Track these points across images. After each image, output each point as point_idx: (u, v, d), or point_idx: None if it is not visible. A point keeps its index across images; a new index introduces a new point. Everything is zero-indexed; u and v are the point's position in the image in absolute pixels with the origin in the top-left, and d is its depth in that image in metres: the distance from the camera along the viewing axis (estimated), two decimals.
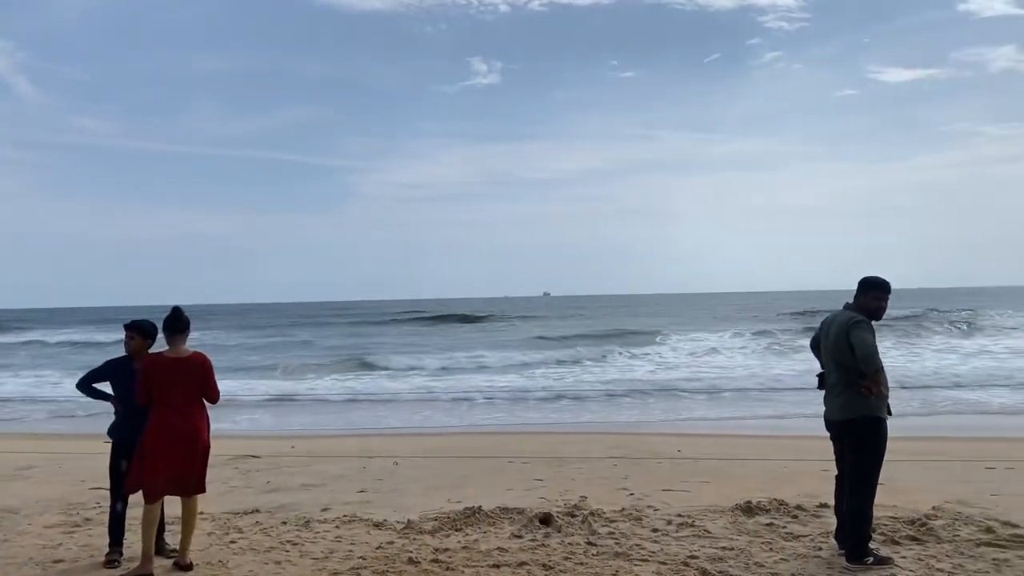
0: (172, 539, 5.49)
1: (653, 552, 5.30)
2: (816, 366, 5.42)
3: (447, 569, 5.04)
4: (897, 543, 5.36)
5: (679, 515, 6.23)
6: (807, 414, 13.64)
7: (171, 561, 5.20)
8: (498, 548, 5.43)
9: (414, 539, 5.71)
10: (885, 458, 5.03)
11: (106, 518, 5.58)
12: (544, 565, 5.06)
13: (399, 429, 12.94)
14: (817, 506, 6.40)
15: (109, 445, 5.44)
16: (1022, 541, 5.33)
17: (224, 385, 5.83)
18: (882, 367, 4.78)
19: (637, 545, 5.46)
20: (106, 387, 5.52)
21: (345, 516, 6.43)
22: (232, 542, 5.71)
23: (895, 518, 5.89)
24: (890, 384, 5.04)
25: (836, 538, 5.26)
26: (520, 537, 5.73)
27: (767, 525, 5.90)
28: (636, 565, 5.06)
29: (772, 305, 63.80)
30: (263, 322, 58.70)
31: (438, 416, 14.46)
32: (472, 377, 19.24)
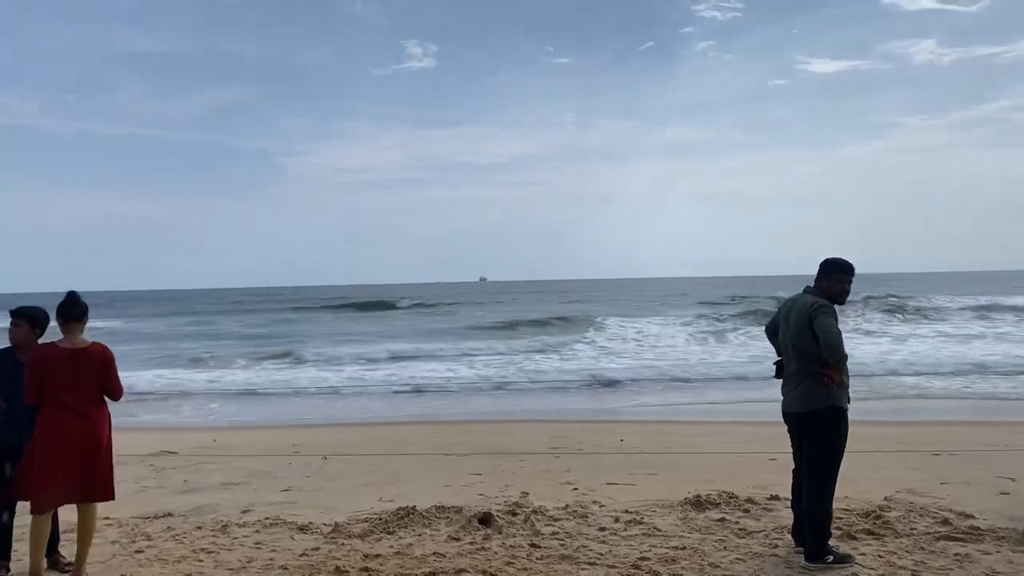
0: (69, 551, 4.91)
1: (601, 554, 4.93)
2: (772, 353, 5.11)
3: None
4: (854, 538, 5.12)
5: (626, 511, 5.89)
6: (750, 400, 13.60)
7: None
8: (434, 553, 4.99)
9: (342, 544, 5.24)
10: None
11: None
12: (484, 572, 4.65)
13: (329, 421, 12.37)
14: (768, 499, 6.15)
15: None
16: (980, 534, 5.14)
17: (142, 376, 5.28)
18: (847, 356, 4.48)
19: (584, 546, 5.09)
20: None
21: (267, 518, 5.91)
22: (138, 552, 5.14)
23: (848, 510, 5.66)
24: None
25: (793, 535, 4.98)
26: (458, 540, 5.31)
27: (719, 521, 5.61)
28: (583, 569, 4.69)
29: (705, 291, 64.47)
30: (187, 309, 56.75)
31: (370, 407, 13.92)
32: (406, 366, 18.68)
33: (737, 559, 4.80)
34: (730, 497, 6.14)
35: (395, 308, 50.96)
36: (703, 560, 4.78)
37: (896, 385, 14.78)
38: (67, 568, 4.74)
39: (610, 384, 15.65)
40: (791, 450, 5.03)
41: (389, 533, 5.48)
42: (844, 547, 4.84)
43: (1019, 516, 5.57)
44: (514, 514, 5.86)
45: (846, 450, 4.72)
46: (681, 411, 12.73)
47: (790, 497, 6.01)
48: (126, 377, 5.02)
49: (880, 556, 4.77)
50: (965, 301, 36.44)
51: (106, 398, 4.72)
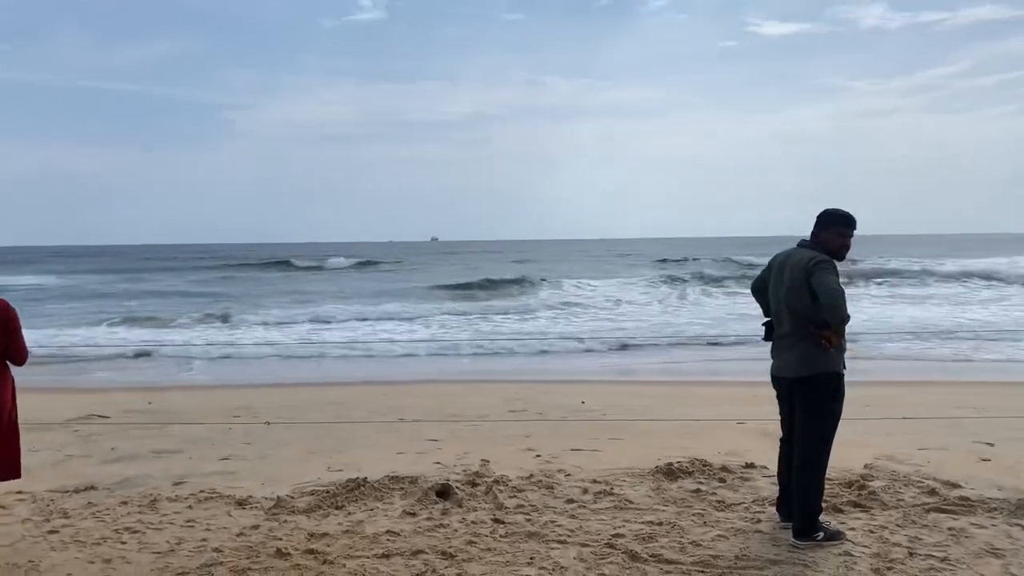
0: None
1: (572, 531, 4.51)
2: (758, 311, 4.69)
3: (324, 563, 4.09)
4: (840, 511, 4.78)
5: (595, 481, 5.48)
6: (712, 360, 13.35)
7: None
8: (388, 532, 4.52)
9: (285, 521, 4.73)
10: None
11: None
12: (444, 552, 4.20)
13: (274, 382, 11.76)
14: (743, 467, 5.79)
15: None
16: (971, 505, 4.84)
17: (73, 334, 4.64)
18: (849, 317, 4.06)
19: (552, 521, 4.67)
20: None
21: (202, 492, 5.37)
22: (52, 532, 4.57)
23: (830, 480, 5.28)
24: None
25: (778, 508, 4.62)
26: (414, 515, 4.83)
27: (694, 492, 5.23)
28: (554, 548, 4.26)
29: (656, 252, 64.60)
30: (127, 265, 54.67)
31: (318, 369, 13.35)
32: (358, 327, 18.07)
33: (719, 536, 4.41)
34: (703, 465, 5.76)
35: (346, 267, 49.93)
36: (682, 537, 4.39)
37: (853, 348, 14.66)
38: None
39: (567, 343, 15.27)
40: (779, 418, 4.64)
41: (337, 508, 4.99)
42: (832, 522, 4.49)
43: (1006, 485, 5.30)
44: (474, 485, 5.41)
45: None
46: (641, 371, 12.41)
47: (773, 465, 5.75)
48: (54, 336, 4.44)
49: (871, 531, 4.43)
50: (912, 263, 36.96)
51: (8, 363, 4.12)
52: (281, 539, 4.41)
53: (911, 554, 4.10)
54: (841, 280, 4.11)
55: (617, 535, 4.42)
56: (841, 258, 4.23)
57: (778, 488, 4.67)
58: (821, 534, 4.23)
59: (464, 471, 5.77)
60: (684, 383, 11.13)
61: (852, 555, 4.10)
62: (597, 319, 19.63)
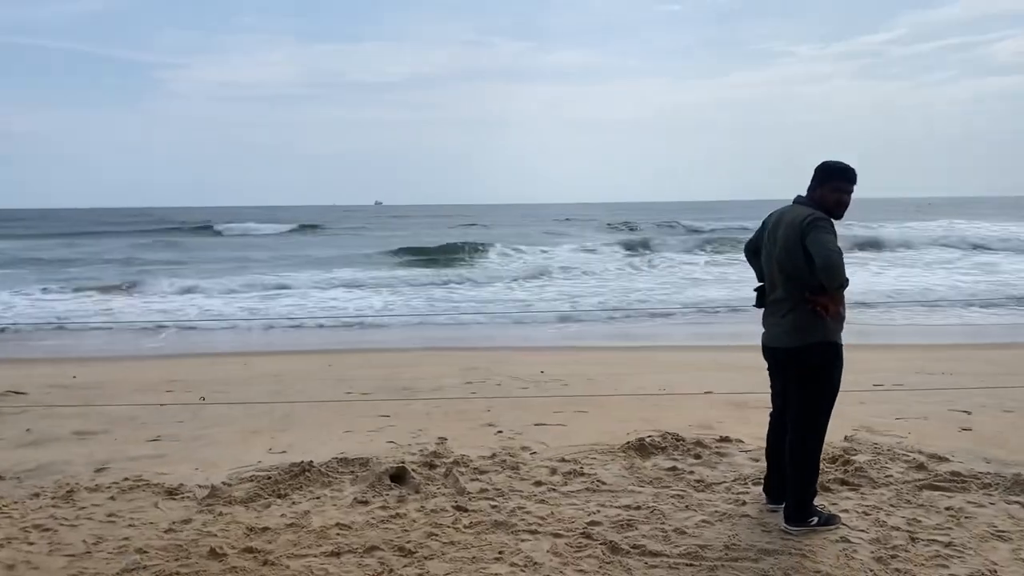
0: None
1: (542, 518, 4.09)
2: (751, 275, 4.28)
3: (265, 563, 3.60)
4: (828, 489, 4.44)
5: (563, 459, 5.07)
6: (671, 324, 13.08)
7: None
8: (337, 524, 4.03)
9: (220, 514, 4.21)
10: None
11: None
12: (401, 548, 3.74)
13: (210, 351, 11.10)
14: (717, 441, 5.45)
15: None
16: (963, 481, 4.55)
17: None
18: (848, 281, 3.67)
19: (520, 508, 4.24)
20: None
21: (127, 480, 4.81)
22: None
23: None
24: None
25: (765, 489, 4.26)
26: (366, 503, 4.36)
27: (669, 470, 4.85)
28: (524, 540, 3.83)
29: (603, 216, 64.55)
30: (53, 229, 51.95)
31: (260, 339, 12.70)
32: (299, 295, 17.35)
33: (703, 521, 4.03)
34: (676, 440, 5.39)
35: (290, 233, 48.59)
36: (664, 524, 4.00)
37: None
38: None
39: (521, 309, 14.85)
40: (766, 391, 4.26)
41: (280, 497, 4.48)
42: (825, 505, 4.15)
43: (993, 457, 5.04)
44: (432, 467, 4.96)
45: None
46: (598, 337, 12.07)
47: (749, 439, 5.45)
48: None
49: (866, 514, 4.10)
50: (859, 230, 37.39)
51: None
52: (216, 535, 3.90)
53: (912, 539, 3.78)
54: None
55: (593, 523, 4.01)
56: (839, 216, 3.82)
57: (765, 467, 4.31)
58: (815, 519, 3.88)
59: (420, 451, 5.30)
60: (641, 349, 10.81)
61: (850, 541, 3.76)
62: (551, 283, 19.21)
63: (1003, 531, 3.86)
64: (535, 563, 3.58)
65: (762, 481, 4.48)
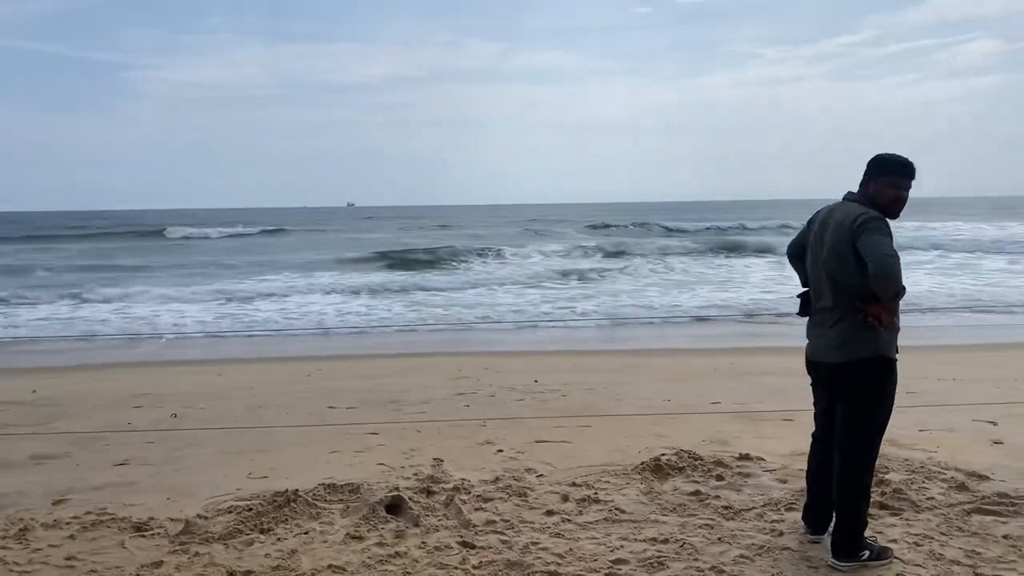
0: None
1: (561, 556, 3.65)
2: (795, 280, 3.87)
3: None
4: (868, 515, 4.04)
5: (574, 484, 4.64)
6: (662, 327, 12.71)
7: None
8: (330, 567, 3.57)
9: (196, 555, 3.72)
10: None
11: None
12: None
13: (181, 360, 10.54)
14: (737, 459, 5.03)
15: None
16: (1012, 504, 4.18)
17: None
18: (905, 290, 3.27)
19: (534, 543, 3.79)
20: None
21: (89, 514, 4.29)
22: None
23: None
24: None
25: (804, 517, 3.85)
26: (360, 539, 3.89)
27: (693, 495, 4.43)
28: None
29: (579, 217, 64.33)
30: (16, 233, 50.41)
31: (235, 348, 12.15)
32: (270, 301, 16.73)
33: (741, 556, 3.62)
34: (694, 459, 4.97)
35: (261, 236, 47.65)
36: (697, 560, 3.58)
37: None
38: None
39: (512, 314, 14.40)
40: (813, 409, 3.85)
41: (263, 532, 4.00)
42: (875, 536, 3.74)
43: None
44: (430, 493, 4.50)
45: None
46: (587, 342, 11.67)
47: (769, 456, 5.06)
48: None
49: (917, 544, 3.71)
50: None
51: None
52: None
53: (976, 575, 3.39)
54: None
55: (619, 561, 3.58)
56: (895, 215, 3.42)
57: (800, 490, 3.91)
58: (866, 552, 3.48)
59: (415, 475, 4.84)
60: (636, 353, 10.41)
61: None
62: (536, 288, 18.75)
63: None
64: None
65: (797, 506, 4.10)
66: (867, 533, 3.67)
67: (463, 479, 4.71)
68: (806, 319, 3.68)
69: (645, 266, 22.91)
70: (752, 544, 3.76)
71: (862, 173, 3.48)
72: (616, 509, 4.23)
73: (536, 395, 7.19)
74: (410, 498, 4.34)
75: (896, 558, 3.55)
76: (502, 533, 3.93)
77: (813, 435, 3.82)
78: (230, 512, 4.25)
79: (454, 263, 24.99)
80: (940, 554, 3.59)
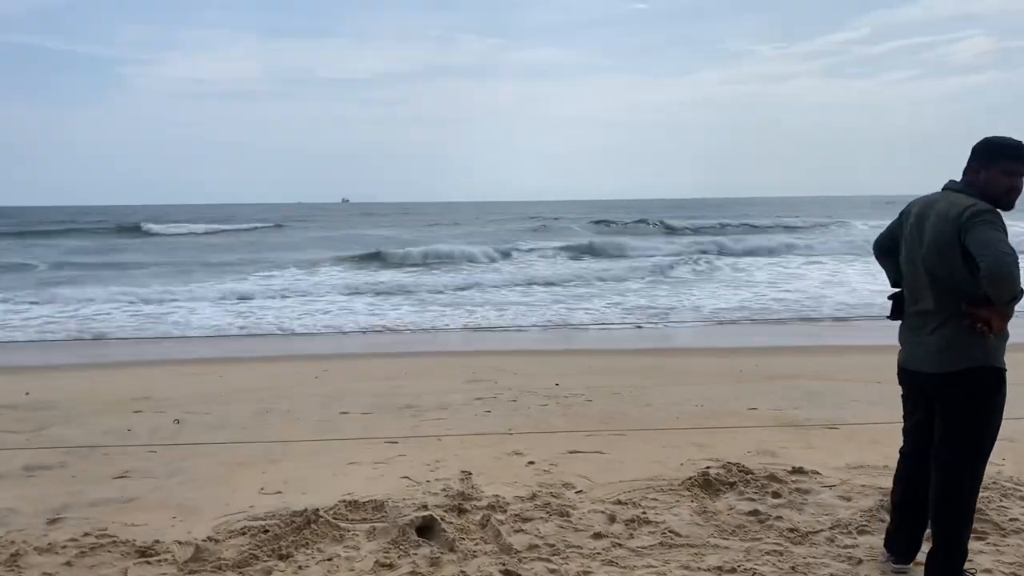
0: None
1: None
2: (884, 280, 3.46)
3: None
4: None
5: (619, 502, 4.24)
6: (671, 325, 12.33)
7: None
8: None
9: None
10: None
11: None
12: None
13: (184, 358, 10.12)
14: (789, 472, 4.65)
15: None
16: None
17: None
18: (1023, 293, 2.87)
19: (586, 572, 3.40)
20: None
21: (88, 535, 3.88)
22: None
23: None
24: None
25: (887, 543, 3.46)
26: (391, 567, 3.49)
27: (751, 515, 4.04)
28: None
29: (582, 213, 63.95)
30: (10, 228, 49.64)
31: (238, 347, 11.74)
32: (273, 299, 16.29)
33: None
34: (743, 473, 4.59)
35: (254, 232, 47.04)
36: None
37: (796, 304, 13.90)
38: None
39: (520, 314, 14.01)
40: (903, 423, 3.44)
41: (282, 558, 3.60)
42: (975, 570, 3.35)
43: None
44: (462, 511, 4.10)
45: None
46: (603, 342, 11.28)
47: (825, 469, 4.68)
48: None
49: (1014, 574, 3.33)
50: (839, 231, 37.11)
51: None
52: None
53: None
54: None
55: None
56: (1009, 206, 3.02)
57: (890, 514, 3.52)
58: None
59: (444, 490, 4.44)
60: (655, 352, 10.03)
61: None
62: (542, 286, 18.34)
63: None
64: None
65: (870, 529, 3.72)
66: (971, 566, 3.28)
67: (497, 495, 4.31)
68: (897, 323, 3.28)
69: (647, 264, 22.51)
70: (830, 574, 3.37)
71: (968, 159, 3.08)
72: (670, 532, 3.84)
73: (559, 400, 6.79)
74: (442, 518, 3.94)
75: None
76: (548, 560, 3.53)
77: (901, 451, 3.43)
78: (243, 534, 3.85)
79: (457, 260, 24.42)
80: None
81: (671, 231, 40.11)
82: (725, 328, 12.69)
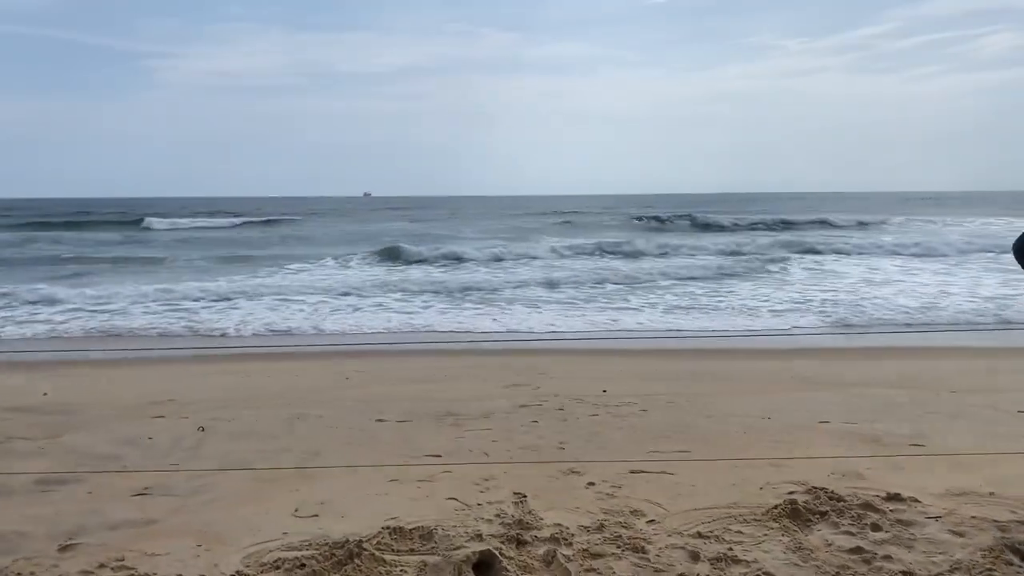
0: None
1: None
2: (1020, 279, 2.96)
3: None
4: None
5: (698, 534, 3.75)
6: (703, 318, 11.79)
7: None
8: None
9: None
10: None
11: None
12: None
13: (203, 354, 9.73)
14: (885, 500, 4.13)
15: None
16: None
17: None
18: None
19: None
20: None
21: (104, 567, 3.45)
22: None
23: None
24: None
25: None
26: None
27: (854, 552, 3.53)
28: None
29: (604, 209, 63.35)
30: (40, 218, 49.87)
31: (255, 341, 11.33)
32: (296, 293, 15.91)
33: None
34: (833, 500, 4.08)
35: (279, 224, 46.89)
36: None
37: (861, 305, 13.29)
38: None
39: (557, 311, 13.51)
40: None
41: None
42: None
43: None
44: (522, 543, 3.63)
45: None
46: (642, 341, 10.76)
47: (924, 496, 4.15)
48: None
49: None
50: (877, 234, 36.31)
51: None
52: None
53: None
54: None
55: None
56: None
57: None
58: None
59: (498, 516, 3.97)
60: (694, 355, 9.50)
61: None
62: (573, 283, 17.82)
63: None
64: None
65: (995, 572, 3.21)
66: None
67: (559, 525, 3.83)
68: None
69: (682, 261, 21.90)
70: None
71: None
72: (764, 573, 3.34)
73: (610, 409, 6.28)
74: (500, 550, 3.47)
75: None
76: None
77: None
78: (278, 568, 3.40)
79: (487, 256, 23.77)
80: None
81: (711, 228, 38.96)
82: (754, 322, 12.13)
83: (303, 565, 3.40)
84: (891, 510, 4.02)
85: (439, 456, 5.05)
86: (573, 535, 3.72)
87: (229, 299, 14.53)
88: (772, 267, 19.91)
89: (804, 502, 4.03)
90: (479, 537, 3.66)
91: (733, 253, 23.55)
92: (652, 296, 14.83)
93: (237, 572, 3.37)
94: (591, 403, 6.47)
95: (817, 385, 7.26)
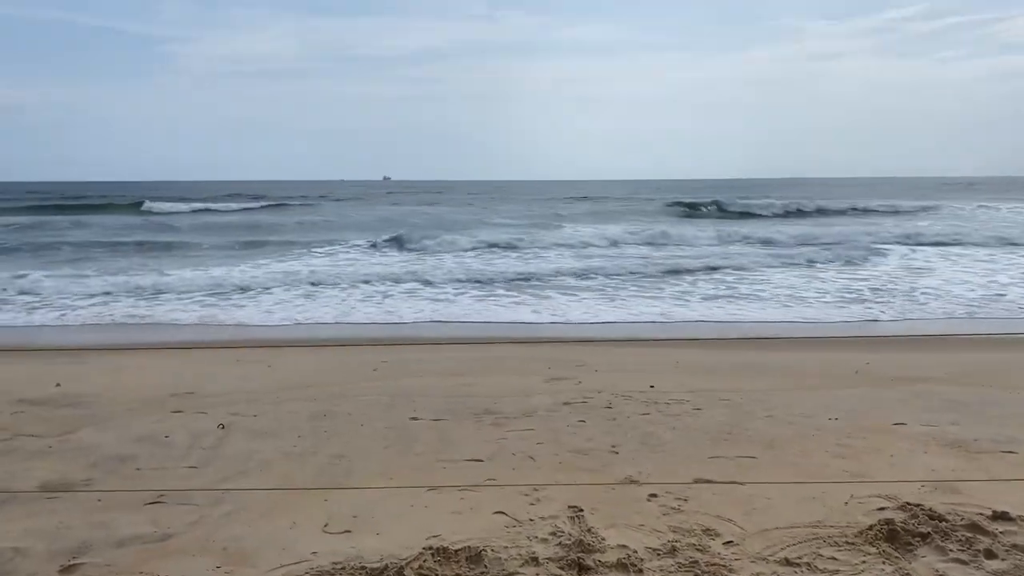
0: None
1: None
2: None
3: None
4: None
5: (786, 561, 3.27)
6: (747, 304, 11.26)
7: None
8: None
9: None
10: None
11: None
12: None
13: (229, 342, 9.34)
14: (991, 519, 3.63)
15: None
16: None
17: None
18: None
19: None
20: None
21: None
22: None
23: None
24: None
25: None
26: None
27: None
28: None
29: (632, 194, 62.56)
30: (48, 202, 49.40)
31: (278, 331, 10.95)
32: (322, 280, 15.52)
33: None
34: (932, 519, 3.59)
35: (293, 209, 46.41)
36: None
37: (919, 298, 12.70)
38: None
39: (595, 300, 13.02)
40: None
41: None
42: None
43: None
44: (584, 568, 3.17)
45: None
46: (679, 329, 10.26)
47: None
48: None
49: None
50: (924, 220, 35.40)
51: None
52: None
53: None
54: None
55: None
56: None
57: None
58: None
59: (554, 535, 3.51)
60: (742, 345, 8.99)
61: None
62: (626, 259, 17.30)
63: None
64: None
65: None
66: None
67: (624, 546, 3.37)
68: None
69: (718, 249, 21.28)
70: None
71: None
72: None
73: (661, 408, 5.79)
74: None
75: None
76: None
77: None
78: None
79: (518, 242, 23.05)
80: None
81: (751, 216, 37.80)
82: (803, 312, 11.58)
83: None
84: (1001, 532, 3.53)
85: (480, 461, 4.60)
86: (643, 560, 3.26)
87: (252, 287, 14.16)
88: (854, 254, 18.84)
89: (901, 522, 3.54)
90: (534, 561, 3.22)
91: (813, 243, 22.00)
92: (685, 285, 14.30)
93: None
94: (640, 400, 5.98)
95: (881, 380, 6.73)
